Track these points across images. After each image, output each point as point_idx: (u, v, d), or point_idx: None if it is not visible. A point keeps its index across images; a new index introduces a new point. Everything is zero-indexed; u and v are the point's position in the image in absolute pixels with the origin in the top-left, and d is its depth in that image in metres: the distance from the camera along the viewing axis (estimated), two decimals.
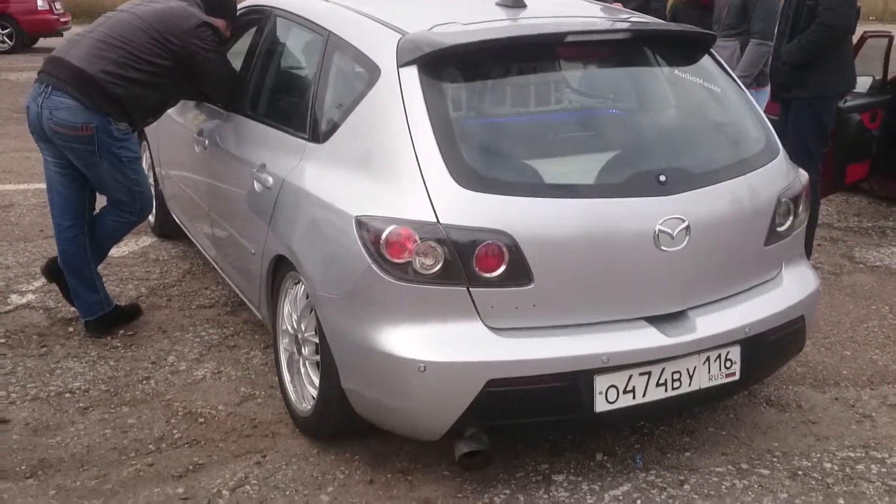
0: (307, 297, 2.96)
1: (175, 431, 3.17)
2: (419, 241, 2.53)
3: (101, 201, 3.94)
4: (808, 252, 4.61)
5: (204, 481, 2.86)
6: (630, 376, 2.68)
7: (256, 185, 3.31)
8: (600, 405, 2.64)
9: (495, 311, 2.59)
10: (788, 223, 3.02)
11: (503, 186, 2.60)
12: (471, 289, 2.56)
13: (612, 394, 2.65)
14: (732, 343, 2.81)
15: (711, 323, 2.78)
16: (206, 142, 3.95)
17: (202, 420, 3.26)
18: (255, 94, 3.72)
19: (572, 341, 2.63)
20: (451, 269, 2.54)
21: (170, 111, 4.15)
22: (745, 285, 2.95)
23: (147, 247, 5.18)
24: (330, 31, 3.20)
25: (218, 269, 4.20)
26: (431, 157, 2.59)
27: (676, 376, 2.75)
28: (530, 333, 2.62)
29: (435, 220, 2.53)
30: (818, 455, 3.04)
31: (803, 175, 3.16)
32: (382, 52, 2.86)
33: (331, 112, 3.08)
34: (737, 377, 2.86)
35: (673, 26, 3.18)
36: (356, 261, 2.63)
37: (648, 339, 2.68)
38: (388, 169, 2.69)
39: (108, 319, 3.98)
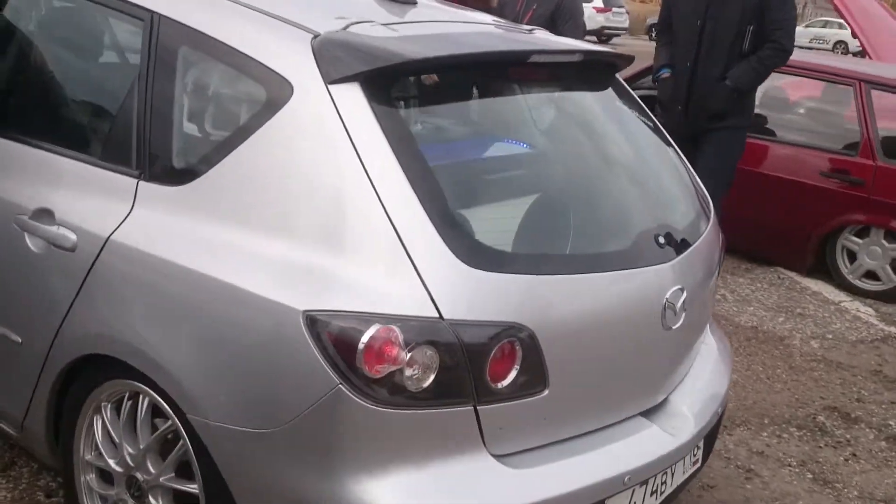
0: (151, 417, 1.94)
1: None
2: (405, 346, 1.70)
3: None
4: None
5: None
6: (633, 491, 2.12)
7: (31, 242, 2.14)
8: None
9: (503, 434, 1.85)
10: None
11: (508, 260, 1.87)
12: (478, 407, 1.79)
13: None
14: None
15: (696, 409, 2.32)
16: None
17: None
18: (10, 101, 2.44)
19: (589, 461, 1.99)
20: (452, 381, 1.75)
21: None
22: (694, 357, 2.54)
23: None
24: (161, 15, 2.13)
25: None
26: (413, 218, 1.76)
27: (664, 479, 2.24)
28: (542, 458, 1.93)
29: (437, 315, 1.72)
30: None
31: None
32: (287, 58, 1.93)
33: (192, 140, 2.05)
34: (699, 464, 2.45)
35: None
36: (310, 379, 1.70)
37: (659, 443, 2.14)
38: (340, 233, 1.77)
39: None
